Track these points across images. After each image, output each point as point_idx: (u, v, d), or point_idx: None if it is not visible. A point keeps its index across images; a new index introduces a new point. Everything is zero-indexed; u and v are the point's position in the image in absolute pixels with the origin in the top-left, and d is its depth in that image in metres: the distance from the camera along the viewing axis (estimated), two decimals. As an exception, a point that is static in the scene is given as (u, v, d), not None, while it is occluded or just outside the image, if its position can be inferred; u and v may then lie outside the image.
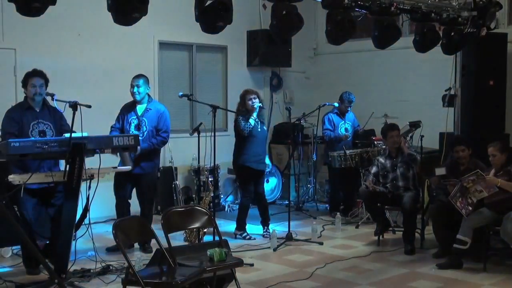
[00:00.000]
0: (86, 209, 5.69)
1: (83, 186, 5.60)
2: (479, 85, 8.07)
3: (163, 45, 9.30)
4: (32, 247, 4.78)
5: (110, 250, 6.63)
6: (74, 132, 5.49)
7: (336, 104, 8.92)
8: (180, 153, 8.90)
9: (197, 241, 6.72)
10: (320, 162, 9.86)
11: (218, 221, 6.14)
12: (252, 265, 6.32)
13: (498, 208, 6.16)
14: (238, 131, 7.51)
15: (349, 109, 8.89)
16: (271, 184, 9.76)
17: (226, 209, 9.36)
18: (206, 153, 6.96)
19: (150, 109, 6.90)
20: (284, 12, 5.38)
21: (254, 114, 7.40)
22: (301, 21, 5.52)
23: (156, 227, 5.09)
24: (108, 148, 5.73)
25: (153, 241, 4.97)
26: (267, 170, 8.41)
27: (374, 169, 7.41)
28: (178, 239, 6.92)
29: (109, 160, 6.11)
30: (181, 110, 9.46)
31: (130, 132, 6.77)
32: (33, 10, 4.50)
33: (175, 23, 9.12)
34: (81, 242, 6.20)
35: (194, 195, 8.57)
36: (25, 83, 5.95)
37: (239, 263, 4.98)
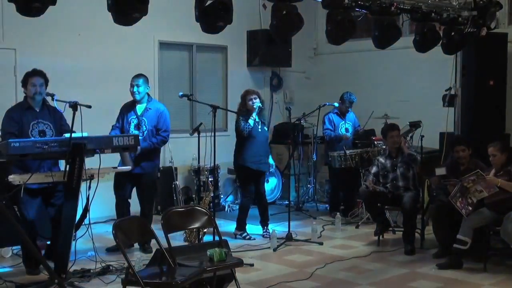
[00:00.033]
0: (86, 209, 5.69)
1: (83, 186, 5.61)
2: (479, 85, 8.07)
3: (163, 45, 9.30)
4: (32, 247, 4.78)
5: (110, 250, 6.63)
6: (74, 132, 5.49)
7: (336, 104, 8.92)
8: (180, 153, 8.90)
9: (197, 241, 6.71)
10: (320, 162, 9.86)
11: (218, 221, 6.14)
12: (252, 265, 6.32)
13: (498, 208, 6.15)
14: (238, 131, 7.51)
15: (349, 109, 8.90)
16: (271, 184, 9.76)
17: (226, 209, 9.36)
18: (206, 153, 6.96)
19: (149, 108, 6.90)
20: (284, 12, 5.37)
21: (254, 115, 7.40)
22: (301, 21, 5.52)
23: (156, 227, 5.09)
24: (108, 148, 5.73)
25: (153, 241, 4.97)
26: (271, 170, 8.42)
27: (374, 169, 7.41)
28: (178, 239, 6.92)
29: (109, 160, 6.10)
30: (181, 110, 9.45)
31: (130, 131, 6.77)
32: (33, 10, 4.49)
33: (175, 23, 9.12)
34: (81, 242, 6.20)
35: (194, 195, 8.56)
36: (25, 82, 5.94)
37: (239, 263, 4.98)
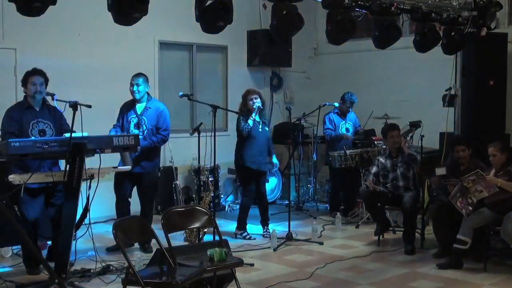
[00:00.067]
0: (86, 209, 5.69)
1: (83, 186, 5.61)
2: (479, 85, 8.07)
3: (163, 45, 9.30)
4: (32, 247, 4.78)
5: (110, 250, 6.63)
6: (74, 132, 5.49)
7: (336, 104, 8.92)
8: (180, 153, 8.90)
9: (197, 241, 6.71)
10: (320, 162, 9.86)
11: (218, 221, 6.13)
12: (252, 265, 6.32)
13: (498, 208, 6.16)
14: (238, 131, 7.52)
15: (350, 109, 8.90)
16: (271, 184, 9.76)
17: (226, 209, 9.36)
18: (206, 153, 6.97)
19: (149, 107, 6.89)
20: (284, 12, 5.38)
21: (253, 115, 7.40)
22: (301, 21, 5.52)
23: (156, 227, 5.08)
24: (108, 148, 5.74)
25: (153, 241, 4.97)
26: (275, 169, 8.41)
27: (374, 169, 7.41)
28: (178, 239, 6.92)
29: (109, 160, 6.10)
30: (181, 110, 9.45)
31: (130, 130, 6.78)
32: (34, 10, 4.49)
33: (175, 23, 9.12)
34: (81, 242, 6.20)
35: (194, 195, 8.57)
36: (25, 81, 5.94)
37: (239, 263, 4.98)
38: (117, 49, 8.59)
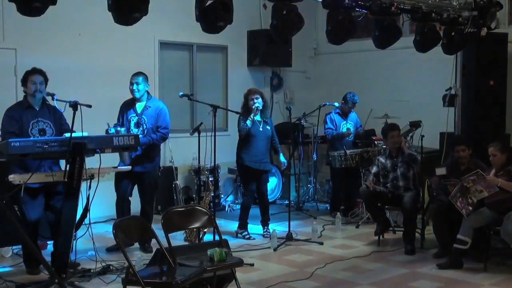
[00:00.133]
0: (86, 209, 5.69)
1: (84, 186, 5.61)
2: (480, 85, 8.07)
3: (164, 45, 9.30)
4: (33, 246, 4.78)
5: (110, 250, 6.63)
6: (74, 132, 5.49)
7: (337, 104, 8.93)
8: (180, 153, 8.90)
9: (197, 241, 6.71)
10: (320, 162, 9.86)
11: (218, 221, 6.14)
12: (252, 265, 6.32)
13: (499, 208, 6.15)
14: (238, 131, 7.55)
15: (352, 109, 8.89)
16: (271, 184, 9.74)
17: (226, 209, 9.36)
18: (206, 153, 6.97)
19: (149, 106, 6.89)
20: (284, 12, 5.37)
21: (251, 115, 7.40)
22: (302, 21, 5.51)
23: (156, 227, 5.08)
24: (108, 148, 5.73)
25: (153, 241, 4.97)
26: (283, 167, 8.41)
27: (374, 169, 7.41)
28: (178, 239, 6.92)
29: (109, 160, 6.11)
30: (182, 110, 9.45)
31: (130, 129, 6.78)
32: (34, 10, 4.49)
33: (175, 23, 9.12)
34: (81, 242, 6.20)
35: (194, 195, 8.57)
36: (24, 81, 5.94)
37: (239, 263, 4.98)
38: (117, 49, 8.59)
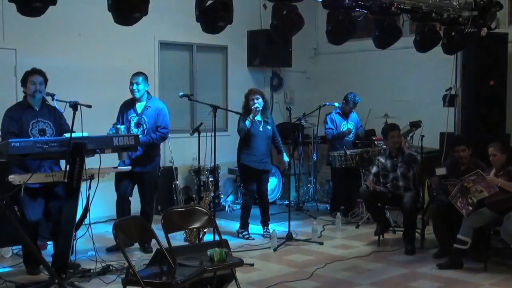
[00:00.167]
0: (86, 209, 5.69)
1: (84, 186, 5.60)
2: (480, 85, 8.07)
3: (164, 45, 9.30)
4: (33, 247, 4.78)
5: (110, 250, 6.63)
6: (74, 132, 5.49)
7: (337, 104, 8.93)
8: (180, 153, 8.90)
9: (197, 241, 6.71)
10: (320, 162, 9.86)
11: (218, 221, 6.13)
12: (252, 265, 6.32)
13: (499, 208, 6.15)
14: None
15: (353, 110, 8.89)
16: (271, 184, 9.74)
17: (226, 209, 9.36)
18: (206, 153, 6.97)
19: (149, 106, 6.89)
20: (284, 12, 5.37)
21: (250, 116, 7.40)
22: (302, 21, 5.51)
23: (156, 227, 5.08)
24: (108, 148, 5.74)
25: (153, 241, 4.97)
26: (286, 167, 8.41)
27: (374, 169, 7.41)
28: (178, 239, 6.92)
29: (109, 160, 6.11)
30: (182, 110, 9.45)
31: (130, 129, 6.78)
32: (34, 10, 4.49)
33: (175, 23, 9.12)
34: (81, 242, 6.20)
35: (194, 195, 8.57)
36: (24, 81, 5.94)
37: (239, 263, 4.98)
38: (117, 49, 8.59)
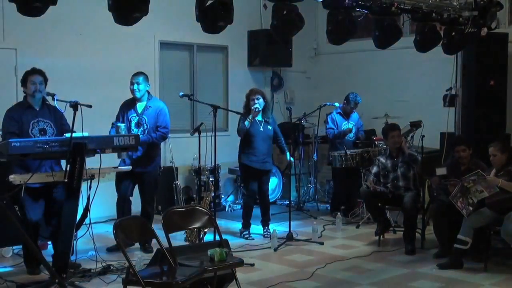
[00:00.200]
0: (86, 209, 5.69)
1: (84, 186, 5.61)
2: (480, 85, 8.08)
3: (164, 45, 9.31)
4: (33, 246, 4.78)
5: (110, 250, 6.63)
6: (75, 132, 5.49)
7: (337, 104, 8.93)
8: (180, 153, 8.90)
9: (197, 241, 6.72)
10: (320, 162, 9.86)
11: (218, 221, 6.12)
12: (252, 265, 6.32)
13: (499, 208, 6.15)
14: (239, 130, 7.57)
15: (354, 110, 8.88)
16: (271, 184, 9.74)
17: (226, 209, 9.36)
18: (206, 153, 6.97)
19: (150, 106, 6.90)
20: (284, 12, 5.37)
21: (249, 117, 7.40)
22: (302, 21, 5.51)
23: (157, 227, 5.08)
24: (108, 148, 5.74)
25: (154, 241, 4.97)
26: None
27: (374, 169, 7.41)
28: (178, 239, 6.92)
29: (110, 160, 6.11)
30: (182, 110, 9.45)
31: (131, 129, 6.78)
32: (34, 10, 4.49)
33: (176, 23, 9.12)
34: (81, 242, 6.20)
35: (194, 195, 8.57)
36: (24, 81, 5.94)
37: (240, 263, 4.98)
38: (118, 49, 8.60)
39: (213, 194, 7.87)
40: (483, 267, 6.21)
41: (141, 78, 6.83)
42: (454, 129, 8.36)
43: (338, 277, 6.06)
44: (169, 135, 7.15)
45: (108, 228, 7.08)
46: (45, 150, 5.33)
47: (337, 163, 8.49)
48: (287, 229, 7.41)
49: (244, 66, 10.25)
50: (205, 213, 5.22)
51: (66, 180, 5.52)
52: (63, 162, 5.80)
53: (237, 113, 7.61)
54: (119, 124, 6.48)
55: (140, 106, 6.89)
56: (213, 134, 6.80)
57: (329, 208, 9.19)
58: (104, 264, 6.06)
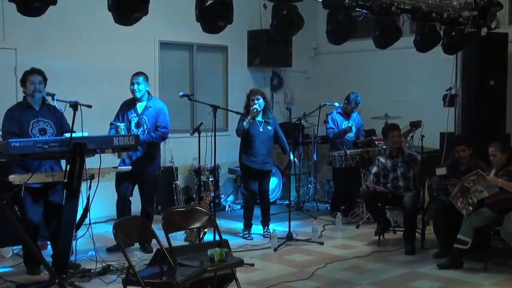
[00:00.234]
0: (86, 209, 5.69)
1: (84, 186, 5.60)
2: (480, 85, 8.08)
3: (164, 45, 9.31)
4: (33, 247, 4.78)
5: (110, 250, 6.63)
6: (75, 132, 5.49)
7: (337, 104, 8.92)
8: (180, 153, 8.90)
9: (197, 241, 6.72)
10: (320, 162, 9.86)
11: (218, 221, 6.12)
12: (252, 265, 6.32)
13: (499, 208, 6.15)
14: (239, 130, 7.57)
15: (354, 110, 8.88)
16: (271, 184, 9.73)
17: (226, 209, 9.36)
18: (206, 153, 6.97)
19: (150, 106, 6.89)
20: (284, 12, 5.37)
21: (248, 117, 7.40)
22: (302, 21, 5.51)
23: (157, 227, 5.08)
24: (108, 148, 5.74)
25: (154, 241, 4.97)
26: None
27: (374, 169, 7.41)
28: (178, 239, 6.92)
29: (110, 160, 6.11)
30: (182, 110, 9.45)
31: (131, 129, 6.78)
32: (34, 10, 4.49)
33: (175, 23, 9.12)
34: (81, 242, 6.19)
35: (194, 195, 8.57)
36: (24, 81, 5.94)
37: (240, 263, 4.98)
38: (118, 49, 8.59)
39: (213, 194, 7.87)
40: (483, 267, 6.21)
41: (141, 78, 6.82)
42: (454, 129, 8.36)
43: (338, 277, 6.06)
44: (169, 135, 7.15)
45: (108, 228, 7.08)
46: (45, 150, 5.32)
47: (337, 163, 8.49)
48: (287, 229, 7.40)
49: (244, 66, 10.25)
50: (205, 213, 5.22)
51: (66, 180, 5.53)
52: (63, 162, 5.80)
53: (237, 113, 7.61)
54: (118, 123, 6.47)
55: (140, 106, 6.89)
56: (213, 134, 6.80)
57: (329, 208, 9.19)
58: (104, 264, 6.06)
